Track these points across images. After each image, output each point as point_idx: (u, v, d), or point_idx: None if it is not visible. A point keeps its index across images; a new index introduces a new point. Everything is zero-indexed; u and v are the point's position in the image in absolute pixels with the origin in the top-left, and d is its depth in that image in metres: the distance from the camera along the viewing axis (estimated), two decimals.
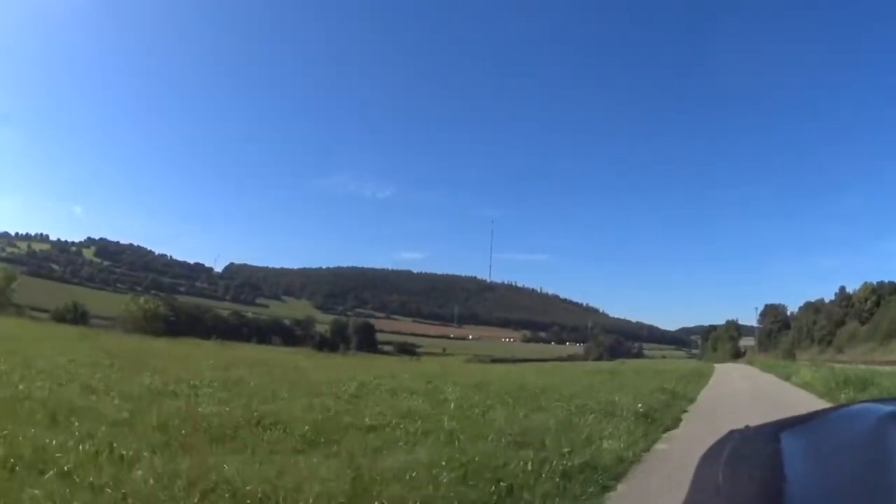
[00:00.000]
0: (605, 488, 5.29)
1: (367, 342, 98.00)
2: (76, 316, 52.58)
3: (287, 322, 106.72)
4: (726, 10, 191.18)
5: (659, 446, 7.66)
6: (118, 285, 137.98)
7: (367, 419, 7.84)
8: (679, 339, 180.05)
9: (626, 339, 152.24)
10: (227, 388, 10.56)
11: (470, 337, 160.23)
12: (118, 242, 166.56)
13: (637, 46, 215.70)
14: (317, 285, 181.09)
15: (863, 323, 70.89)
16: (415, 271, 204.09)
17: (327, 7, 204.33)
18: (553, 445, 6.29)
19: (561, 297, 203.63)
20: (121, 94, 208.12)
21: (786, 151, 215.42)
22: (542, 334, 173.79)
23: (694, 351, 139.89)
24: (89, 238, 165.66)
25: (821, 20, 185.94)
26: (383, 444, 6.35)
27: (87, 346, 18.60)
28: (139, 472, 4.45)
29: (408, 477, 4.73)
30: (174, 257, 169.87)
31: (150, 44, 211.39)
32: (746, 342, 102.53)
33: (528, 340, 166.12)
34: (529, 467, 5.22)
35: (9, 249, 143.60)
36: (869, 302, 72.78)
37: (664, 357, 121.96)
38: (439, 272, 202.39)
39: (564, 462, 5.56)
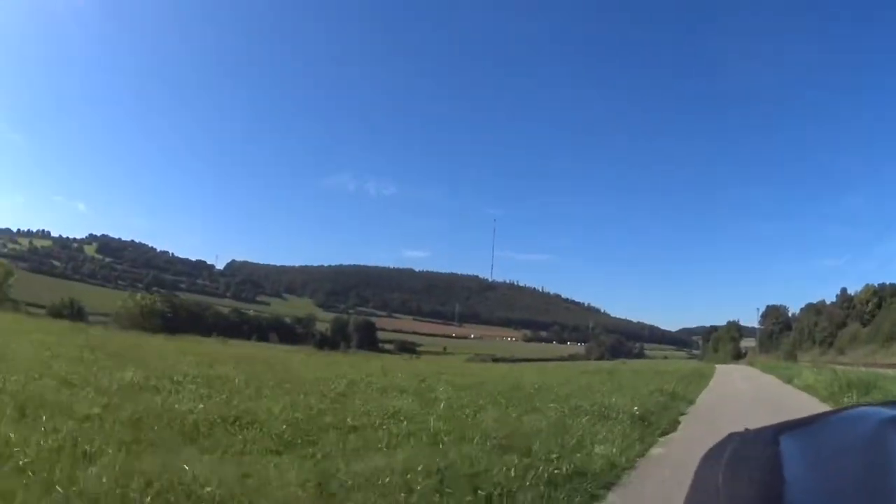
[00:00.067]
0: (594, 497, 4.93)
1: (368, 340, 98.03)
2: (73, 312, 52.41)
3: (288, 320, 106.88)
4: (726, 10, 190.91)
5: (655, 451, 7.32)
6: (119, 282, 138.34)
7: (349, 419, 7.54)
8: (680, 340, 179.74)
9: (627, 340, 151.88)
10: (210, 385, 10.23)
11: (471, 336, 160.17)
12: (120, 239, 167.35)
13: (637, 46, 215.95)
14: (318, 283, 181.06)
15: (864, 325, 70.60)
16: (416, 270, 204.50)
17: (328, 7, 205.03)
18: (541, 450, 5.95)
19: (562, 296, 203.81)
20: (123, 93, 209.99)
21: (787, 152, 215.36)
22: (544, 334, 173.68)
23: (695, 351, 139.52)
24: (91, 235, 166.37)
25: (821, 20, 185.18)
26: (363, 446, 6.05)
27: (74, 340, 18.29)
28: (93, 470, 4.23)
29: (380, 483, 4.39)
30: (176, 254, 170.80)
31: (151, 43, 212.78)
32: (747, 343, 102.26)
33: (529, 340, 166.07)
34: (513, 473, 4.86)
35: (10, 246, 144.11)
36: (870, 304, 72.57)
37: (666, 357, 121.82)
38: (441, 271, 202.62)
39: (551, 468, 5.21)
